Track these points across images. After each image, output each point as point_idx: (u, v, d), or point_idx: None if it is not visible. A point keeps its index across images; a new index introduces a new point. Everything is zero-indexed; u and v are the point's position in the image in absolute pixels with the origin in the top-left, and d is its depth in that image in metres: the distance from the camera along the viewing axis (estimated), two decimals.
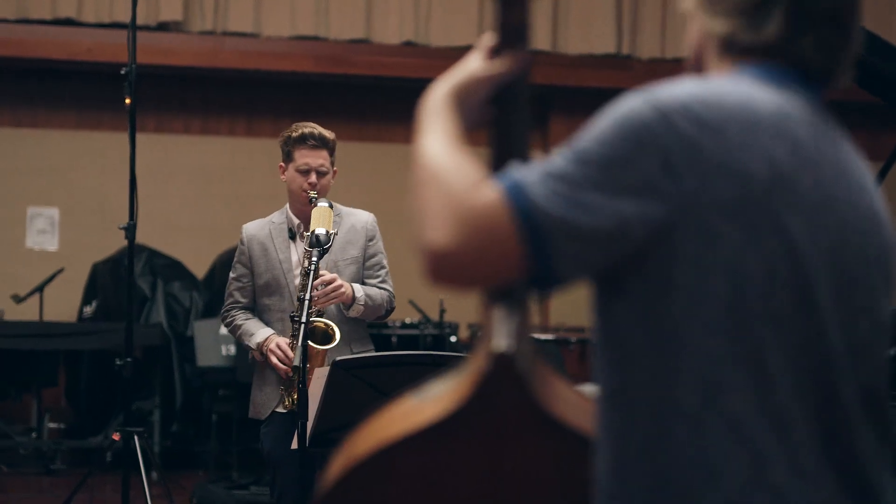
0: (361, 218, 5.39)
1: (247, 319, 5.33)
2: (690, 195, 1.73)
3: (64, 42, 10.61)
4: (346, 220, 5.35)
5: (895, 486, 1.92)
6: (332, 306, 5.19)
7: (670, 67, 11.05)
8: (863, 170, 1.92)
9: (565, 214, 1.72)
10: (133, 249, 6.18)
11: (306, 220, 5.18)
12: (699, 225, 1.73)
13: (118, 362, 6.06)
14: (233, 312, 5.39)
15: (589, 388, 1.98)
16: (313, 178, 5.23)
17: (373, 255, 5.35)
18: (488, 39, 2.05)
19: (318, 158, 5.26)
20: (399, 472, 2.03)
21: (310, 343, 5.01)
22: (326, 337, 5.08)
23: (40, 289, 10.07)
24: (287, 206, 5.40)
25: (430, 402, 2.04)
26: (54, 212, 11.17)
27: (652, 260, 1.75)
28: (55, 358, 10.17)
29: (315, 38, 10.98)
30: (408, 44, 11.08)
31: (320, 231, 4.89)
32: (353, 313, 5.21)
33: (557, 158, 1.78)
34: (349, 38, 10.99)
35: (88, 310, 10.37)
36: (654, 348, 1.77)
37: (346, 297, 5.12)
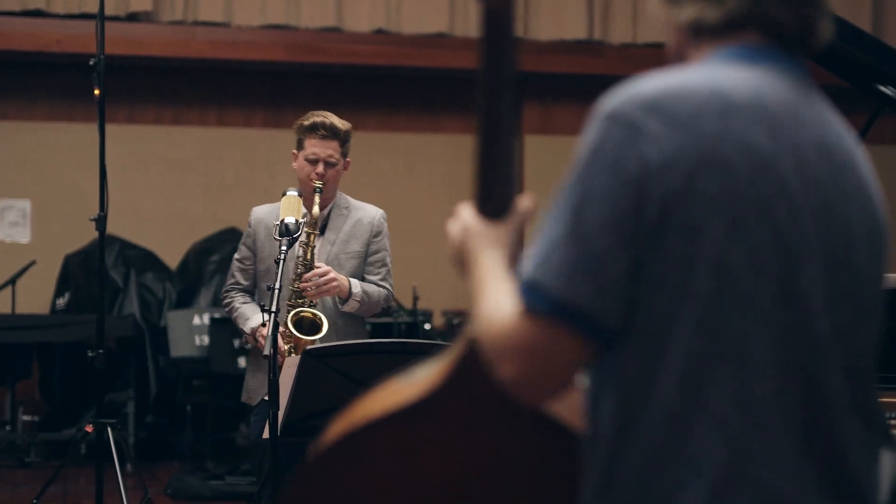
0: (369, 213, 5.36)
1: (244, 303, 5.32)
2: (674, 193, 1.72)
3: (33, 34, 10.55)
4: (353, 214, 5.33)
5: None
6: (329, 300, 5.18)
7: (642, 53, 11.06)
8: (849, 144, 1.90)
9: (593, 285, 1.72)
10: (104, 241, 6.15)
11: (310, 205, 5.15)
12: (685, 220, 1.72)
13: (90, 354, 6.03)
14: (232, 293, 5.38)
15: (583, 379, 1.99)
16: (320, 168, 5.19)
17: (376, 252, 5.33)
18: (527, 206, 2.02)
19: (327, 149, 5.22)
20: (376, 450, 2.05)
21: (296, 333, 5.00)
22: (315, 327, 5.07)
23: (12, 281, 10.04)
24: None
25: (412, 384, 2.06)
26: (26, 204, 11.12)
27: (646, 264, 1.75)
28: (28, 351, 10.13)
29: (286, 27, 10.96)
30: (379, 31, 11.06)
31: (289, 220, 4.86)
32: (347, 308, 5.20)
33: (553, 225, 1.77)
34: (320, 27, 10.96)
35: (61, 302, 10.33)
36: (639, 347, 1.77)
37: (340, 290, 5.11)
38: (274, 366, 4.52)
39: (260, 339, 5.07)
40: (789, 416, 1.77)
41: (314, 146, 5.21)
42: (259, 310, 5.18)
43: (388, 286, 5.33)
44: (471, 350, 2.00)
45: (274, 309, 4.57)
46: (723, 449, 1.74)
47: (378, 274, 5.32)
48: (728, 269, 1.73)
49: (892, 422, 3.60)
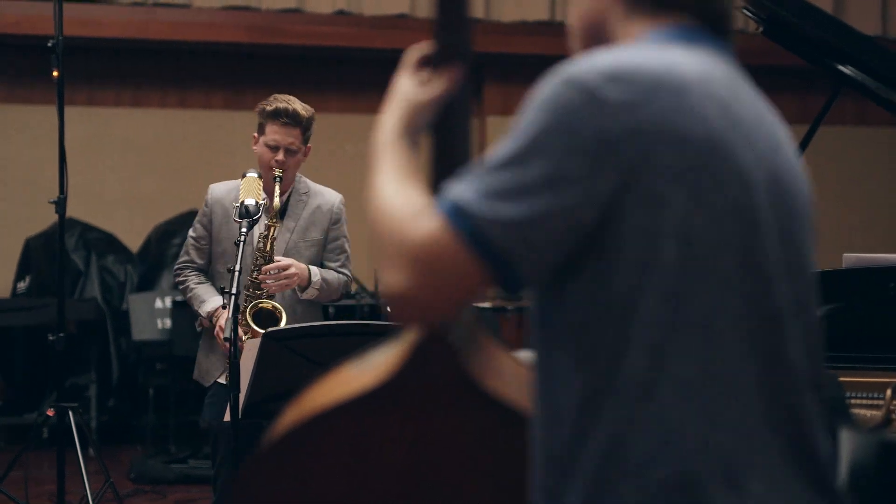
0: (328, 199, 5.34)
1: (199, 283, 5.28)
2: (633, 166, 1.73)
3: None
4: (312, 201, 5.31)
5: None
6: None
7: None
8: (778, 126, 1.93)
9: (516, 221, 1.72)
10: (64, 224, 6.12)
11: (271, 194, 5.13)
12: (646, 193, 1.73)
13: (51, 337, 6.01)
14: (186, 272, 5.34)
15: (526, 355, 1.98)
16: (280, 155, 5.16)
17: (335, 239, 5.32)
18: (415, 53, 2.06)
19: (288, 136, 5.19)
20: (331, 439, 2.05)
21: (254, 326, 5.00)
22: (273, 319, 5.06)
23: None
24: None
25: (365, 371, 2.05)
26: None
27: (605, 235, 1.75)
28: None
29: (246, 9, 10.90)
30: (340, 13, 11.02)
31: (249, 202, 4.83)
32: (306, 296, 5.20)
33: (493, 163, 1.77)
34: (281, 8, 10.91)
35: (22, 285, 10.28)
36: (604, 319, 1.77)
37: (300, 280, 5.11)
38: (235, 349, 4.51)
39: (218, 329, 5.05)
40: (754, 385, 1.78)
41: (275, 133, 5.18)
42: (215, 292, 5.17)
43: (347, 272, 5.33)
44: (427, 336, 1.99)
45: (234, 291, 4.55)
46: (690, 417, 1.75)
47: (337, 261, 5.32)
48: (691, 239, 1.74)
49: (855, 401, 3.62)
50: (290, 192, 5.29)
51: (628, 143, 1.72)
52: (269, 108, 5.22)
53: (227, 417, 4.59)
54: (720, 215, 1.75)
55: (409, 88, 2.05)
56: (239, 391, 4.48)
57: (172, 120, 11.31)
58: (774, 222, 1.82)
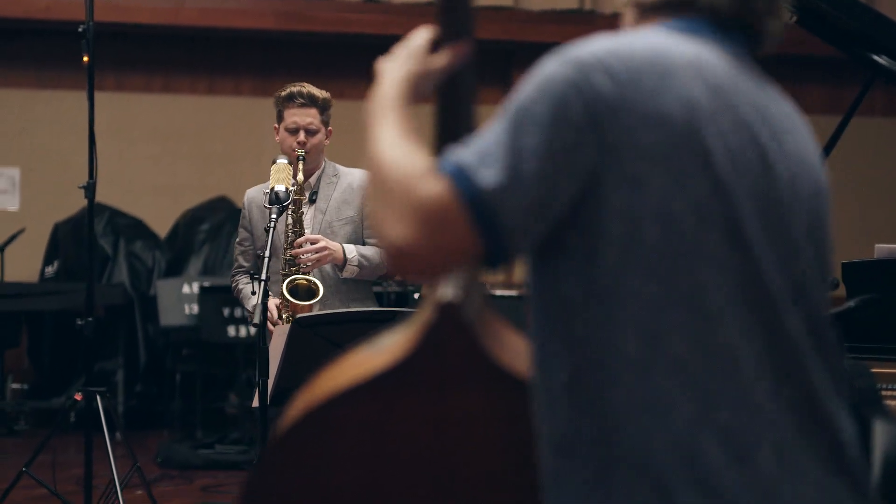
0: (358, 177, 5.36)
1: (247, 284, 5.34)
2: (616, 145, 1.76)
3: (21, 0, 10.51)
4: (342, 180, 5.34)
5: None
6: (328, 267, 5.18)
7: None
8: (791, 114, 1.95)
9: (507, 190, 1.75)
10: (93, 209, 6.13)
11: (295, 174, 5.16)
12: (627, 173, 1.76)
13: (79, 322, 6.02)
14: (237, 277, 5.44)
15: None
16: (302, 136, 5.21)
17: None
18: (425, 34, 2.10)
19: (307, 117, 5.24)
20: (346, 422, 2.05)
21: (292, 300, 5.01)
22: (310, 293, 5.08)
23: (1, 249, 10.02)
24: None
25: (379, 352, 2.05)
26: (15, 172, 11.10)
27: (586, 213, 1.78)
28: (17, 319, 10.12)
29: None
30: (369, 0, 11.02)
31: (279, 188, 4.87)
32: (346, 274, 5.20)
33: (490, 131, 1.80)
34: None
35: (50, 270, 10.32)
36: (594, 299, 1.79)
37: (334, 259, 5.12)
38: (263, 335, 4.52)
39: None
40: (756, 363, 1.79)
41: (293, 115, 5.25)
42: None
43: None
44: (441, 315, 2.00)
45: (263, 277, 4.58)
46: (685, 394, 1.76)
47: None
48: (672, 218, 1.77)
49: (888, 392, 3.60)
50: (320, 175, 5.31)
51: (611, 121, 1.76)
52: (283, 93, 5.32)
53: (255, 403, 4.59)
54: (700, 195, 1.77)
55: (414, 53, 2.10)
56: (267, 377, 4.48)
57: (201, 106, 11.33)
58: (764, 206, 1.83)
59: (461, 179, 1.76)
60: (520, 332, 2.15)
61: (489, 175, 1.75)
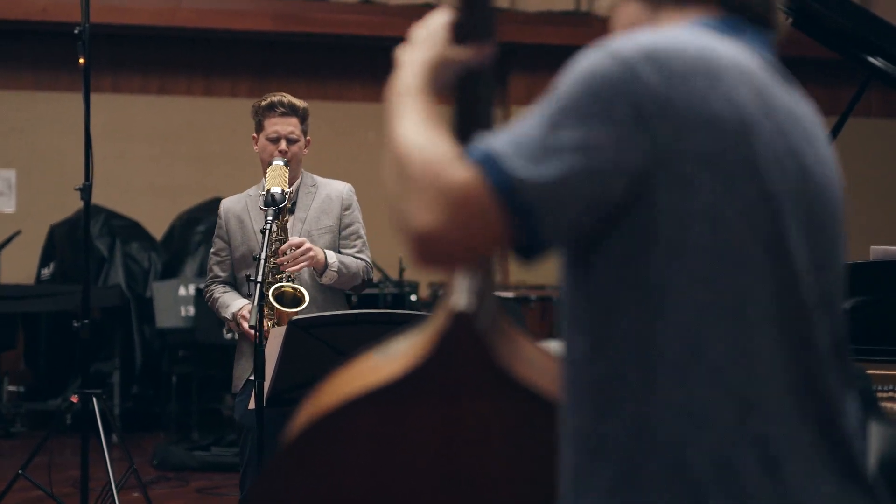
0: (337, 188, 5.36)
1: (224, 293, 5.32)
2: (664, 145, 1.72)
3: (18, 2, 10.51)
4: (321, 190, 5.33)
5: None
6: (306, 273, 5.17)
7: None
8: (814, 119, 1.91)
9: (544, 180, 1.71)
10: (89, 210, 6.12)
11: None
12: (676, 175, 1.73)
13: (75, 324, 6.01)
14: (212, 287, 5.39)
15: (553, 345, 1.97)
16: (283, 145, 5.20)
17: (349, 225, 5.33)
18: (443, 17, 2.03)
19: (288, 126, 5.23)
20: (357, 431, 2.02)
21: (278, 306, 5.00)
22: (296, 301, 5.07)
23: None
24: (263, 178, 5.34)
25: (390, 360, 2.03)
26: (11, 174, 11.09)
27: (632, 213, 1.75)
28: (13, 320, 10.12)
29: None
30: (366, 2, 11.02)
31: (275, 190, 4.87)
32: (325, 280, 5.18)
33: (527, 122, 1.76)
34: None
35: (46, 272, 10.31)
36: (637, 300, 1.76)
37: (316, 262, 5.10)
38: (260, 336, 4.52)
39: (240, 320, 5.07)
40: (785, 373, 1.78)
41: (275, 124, 5.24)
42: (238, 295, 5.21)
43: (365, 258, 5.32)
44: (454, 323, 1.98)
45: (259, 279, 4.57)
46: (724, 402, 1.74)
47: (354, 247, 5.31)
48: (722, 223, 1.74)
49: (883, 394, 3.60)
50: (298, 185, 5.31)
51: (660, 122, 1.72)
52: (263, 103, 5.31)
53: (251, 405, 4.59)
54: (749, 202, 1.75)
55: (440, 39, 2.02)
56: (264, 379, 4.48)
57: (198, 108, 11.33)
58: (803, 214, 1.80)
59: (492, 166, 1.72)
60: (534, 340, 2.14)
61: (523, 165, 1.71)
